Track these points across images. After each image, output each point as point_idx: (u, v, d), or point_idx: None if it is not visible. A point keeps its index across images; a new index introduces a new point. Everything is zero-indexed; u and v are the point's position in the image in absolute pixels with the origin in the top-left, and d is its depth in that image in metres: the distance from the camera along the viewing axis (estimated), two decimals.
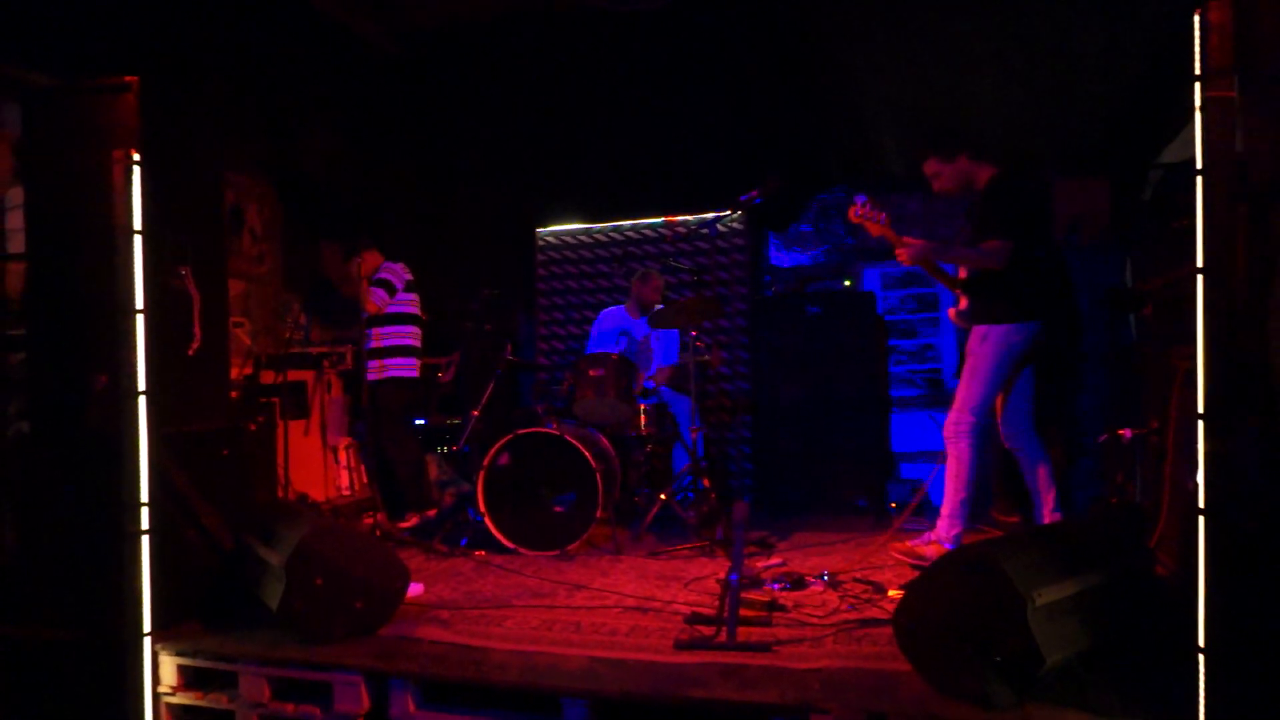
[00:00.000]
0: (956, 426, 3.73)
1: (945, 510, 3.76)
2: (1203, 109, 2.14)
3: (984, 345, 3.73)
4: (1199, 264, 2.15)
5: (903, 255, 3.83)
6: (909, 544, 3.84)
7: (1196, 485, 2.15)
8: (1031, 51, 4.95)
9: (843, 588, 3.46)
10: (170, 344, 3.24)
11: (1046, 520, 3.80)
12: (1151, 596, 2.66)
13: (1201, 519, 2.13)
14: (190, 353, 3.33)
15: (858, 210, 3.90)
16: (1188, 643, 2.14)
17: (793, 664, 2.62)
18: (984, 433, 3.74)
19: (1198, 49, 2.15)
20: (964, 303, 3.92)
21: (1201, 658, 2.11)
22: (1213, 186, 2.13)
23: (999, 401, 3.83)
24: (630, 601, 3.39)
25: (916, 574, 3.04)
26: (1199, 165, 2.15)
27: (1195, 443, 2.15)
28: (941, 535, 3.76)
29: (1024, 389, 3.84)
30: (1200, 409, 2.14)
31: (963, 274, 3.91)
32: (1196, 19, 2.16)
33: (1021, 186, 3.77)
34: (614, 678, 2.57)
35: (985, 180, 3.80)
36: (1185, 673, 2.14)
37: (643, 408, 5.00)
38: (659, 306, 5.30)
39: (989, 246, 3.65)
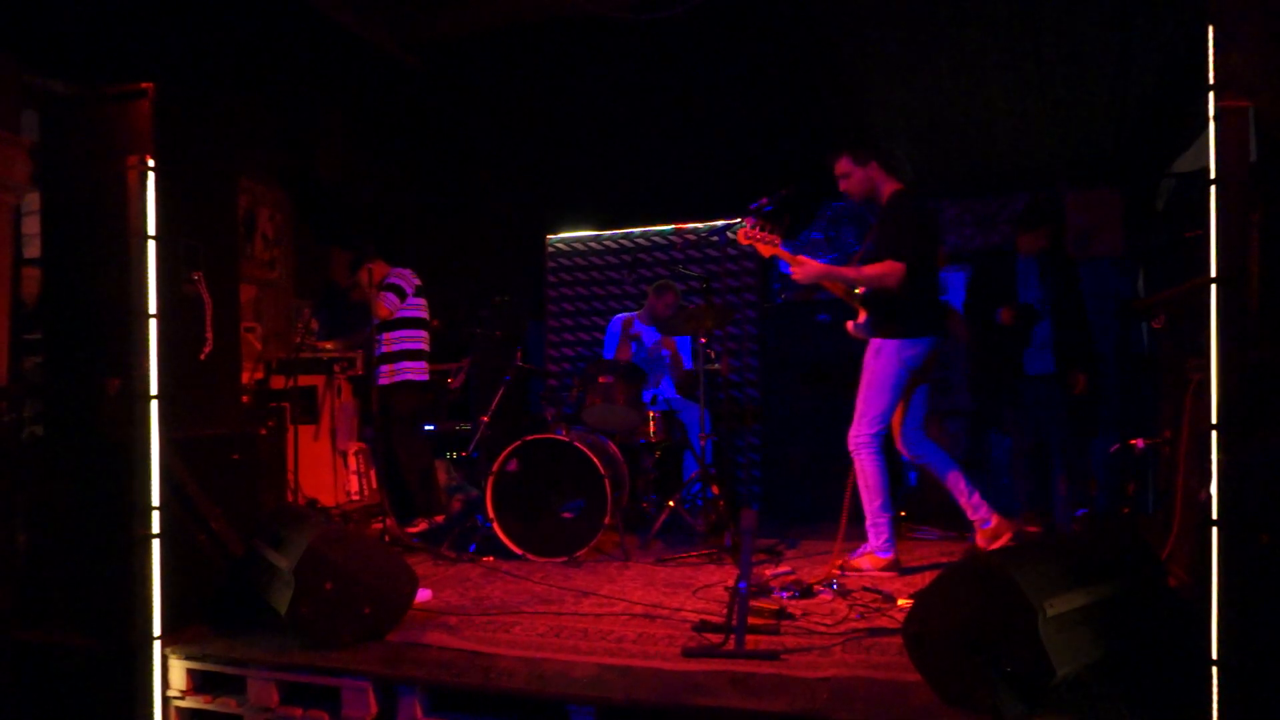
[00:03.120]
0: (856, 439, 3.78)
1: (868, 521, 3.81)
2: (1216, 119, 2.13)
3: (878, 359, 3.77)
4: (1213, 274, 2.14)
5: (797, 274, 3.85)
6: (846, 558, 3.89)
7: (1209, 496, 2.13)
8: (1044, 62, 4.94)
9: (851, 596, 3.45)
10: (182, 348, 3.25)
11: (977, 525, 3.80)
12: (1163, 608, 2.63)
13: (1214, 530, 2.11)
14: (202, 357, 3.35)
15: (746, 232, 3.91)
16: (1200, 655, 2.12)
17: (801, 673, 2.61)
18: (883, 443, 3.77)
19: (1211, 58, 2.15)
20: (861, 316, 3.97)
21: (1214, 670, 2.09)
22: (1226, 196, 2.12)
23: (897, 415, 3.85)
24: (638, 609, 3.39)
25: (925, 583, 3.03)
26: (1213, 175, 2.14)
27: (1208, 453, 2.14)
28: (872, 545, 3.82)
29: (919, 403, 3.88)
30: (1213, 419, 2.13)
31: (862, 289, 3.94)
32: (1210, 29, 2.15)
33: (918, 208, 3.83)
34: (621, 685, 2.56)
35: (887, 194, 3.84)
36: (1198, 686, 2.12)
37: (652, 414, 5.00)
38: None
39: (883, 268, 3.68)
